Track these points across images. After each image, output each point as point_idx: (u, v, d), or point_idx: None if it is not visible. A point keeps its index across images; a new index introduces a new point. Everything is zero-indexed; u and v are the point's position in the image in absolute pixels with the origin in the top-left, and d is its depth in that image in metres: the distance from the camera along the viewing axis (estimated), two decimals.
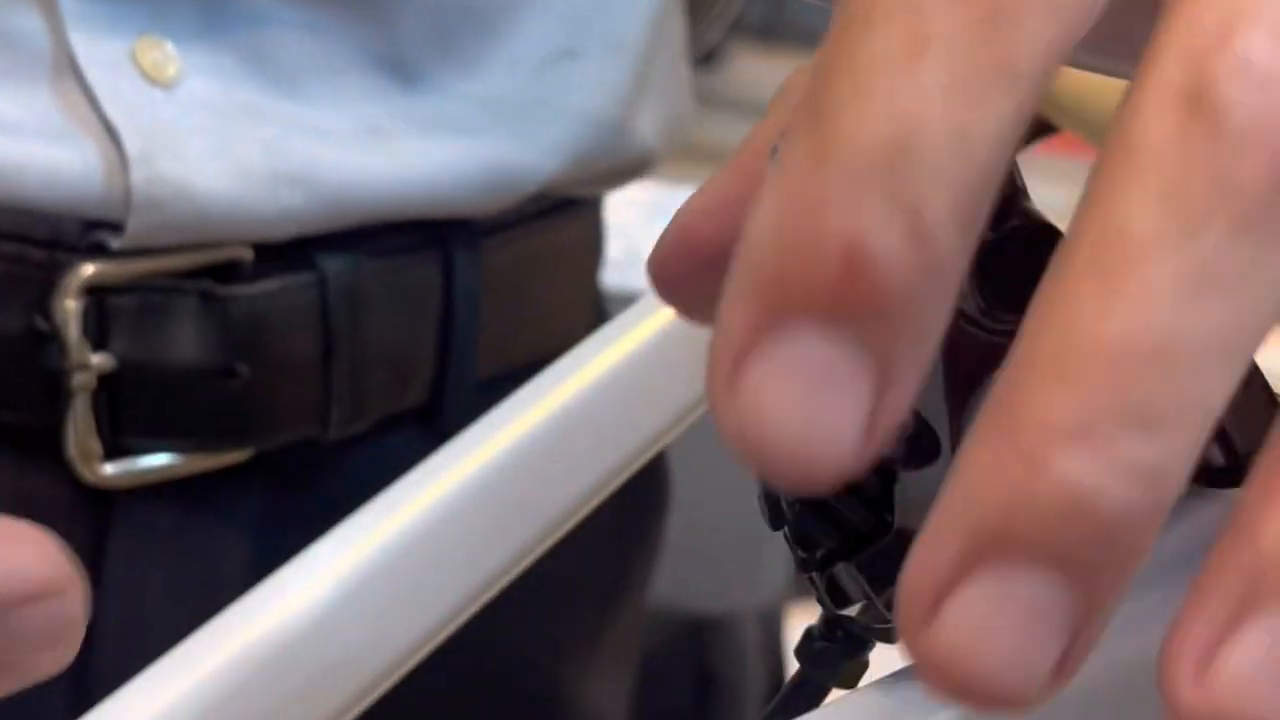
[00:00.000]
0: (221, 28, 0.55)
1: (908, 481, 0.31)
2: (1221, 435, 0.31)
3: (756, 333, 0.22)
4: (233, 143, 0.55)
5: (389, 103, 0.58)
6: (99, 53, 0.53)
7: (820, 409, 0.21)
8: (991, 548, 0.22)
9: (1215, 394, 0.23)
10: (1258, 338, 0.23)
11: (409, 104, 0.58)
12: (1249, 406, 0.31)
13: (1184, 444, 0.23)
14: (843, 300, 0.21)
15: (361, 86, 0.57)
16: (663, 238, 0.34)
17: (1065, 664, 0.23)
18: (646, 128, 0.66)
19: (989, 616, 0.22)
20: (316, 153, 0.56)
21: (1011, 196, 0.29)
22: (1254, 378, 0.31)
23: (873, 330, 0.22)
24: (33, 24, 0.53)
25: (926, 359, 0.23)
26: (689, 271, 0.33)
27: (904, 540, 0.31)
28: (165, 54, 0.54)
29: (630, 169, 0.66)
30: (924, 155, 0.22)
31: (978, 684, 0.22)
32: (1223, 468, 0.31)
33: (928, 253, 0.22)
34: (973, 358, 0.29)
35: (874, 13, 0.22)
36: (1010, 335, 0.29)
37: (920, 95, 0.22)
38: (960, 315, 0.29)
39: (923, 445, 0.30)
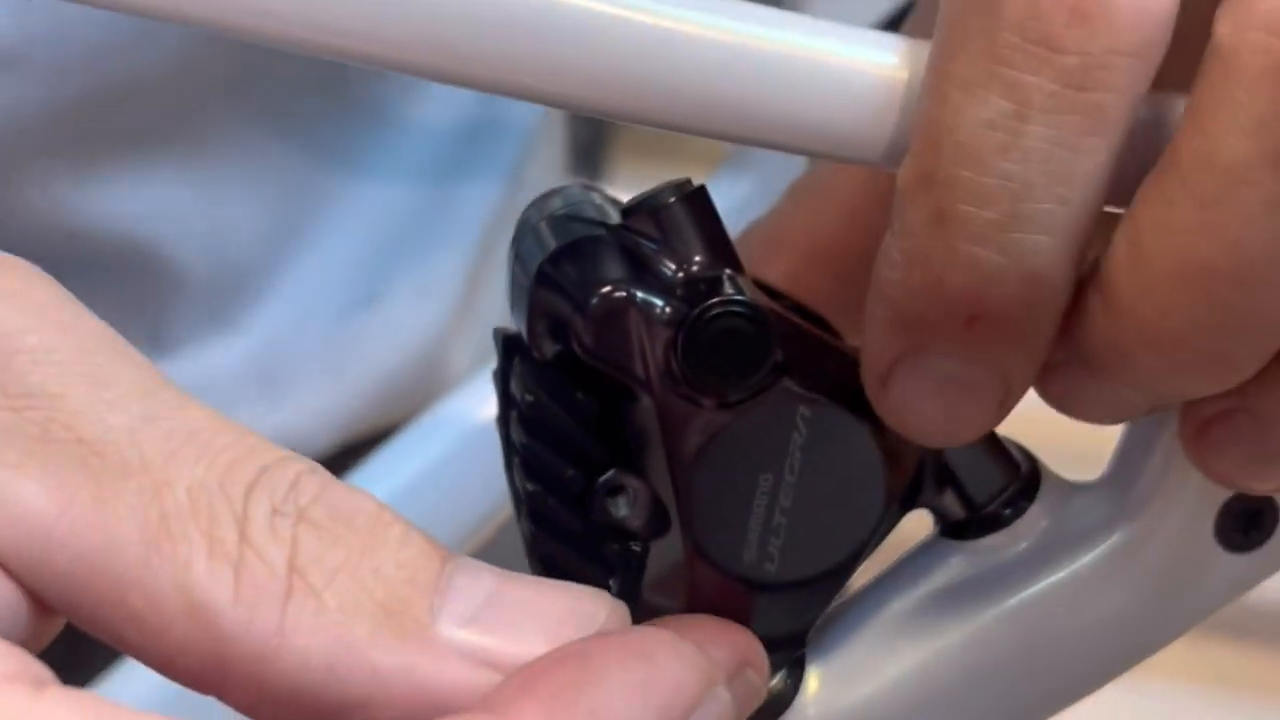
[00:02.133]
0: None
1: (655, 552, 0.31)
2: (961, 492, 0.33)
3: (899, 355, 0.28)
4: None
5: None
6: None
7: (961, 412, 0.28)
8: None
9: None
10: None
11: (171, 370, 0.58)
12: (983, 467, 0.33)
13: None
14: (969, 341, 0.27)
15: None
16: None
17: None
18: (464, 354, 0.61)
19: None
20: None
21: (718, 277, 0.30)
22: (990, 443, 0.33)
23: (995, 357, 0.28)
24: None
25: (1040, 362, 0.28)
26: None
27: (652, 613, 0.31)
28: None
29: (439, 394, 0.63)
30: (1031, 211, 0.26)
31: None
32: (964, 520, 0.33)
33: (1041, 291, 0.27)
34: (691, 431, 0.30)
35: (972, 81, 0.26)
36: (729, 407, 0.31)
37: (1024, 157, 0.26)
38: (675, 393, 0.30)
39: (658, 518, 0.31)
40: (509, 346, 0.32)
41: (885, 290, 0.28)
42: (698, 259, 0.30)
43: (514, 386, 0.31)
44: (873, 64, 0.28)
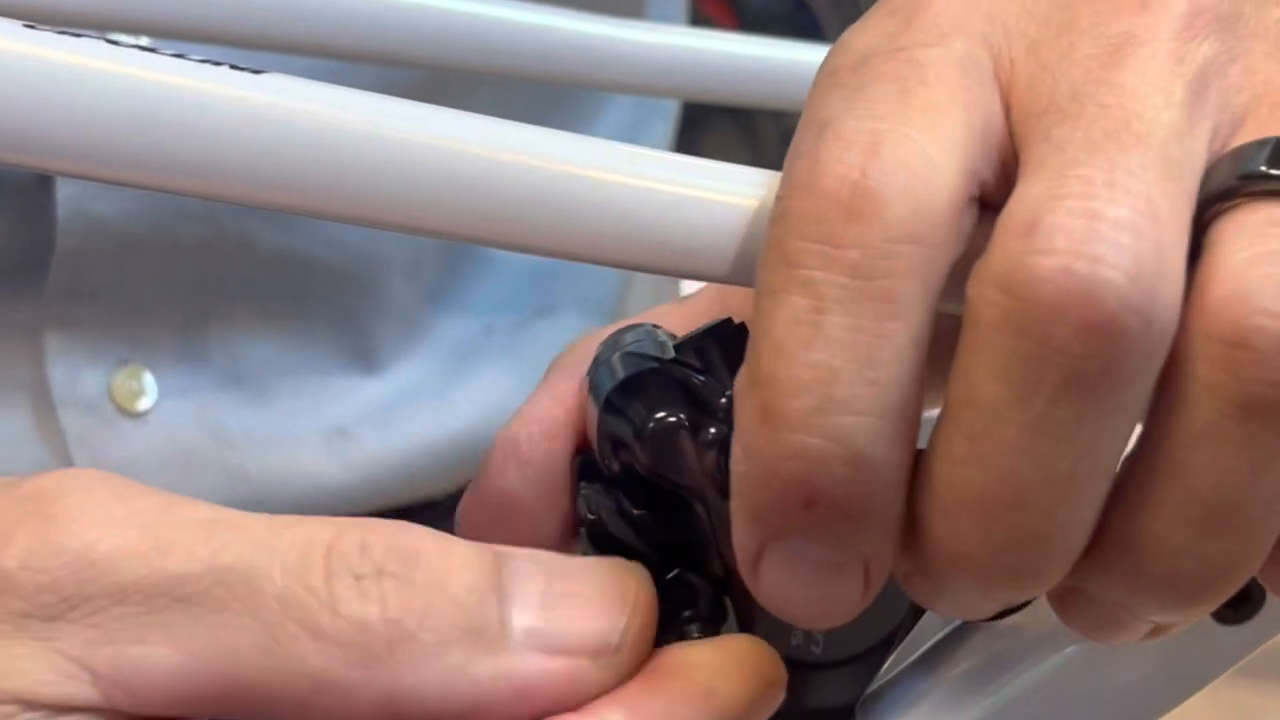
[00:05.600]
0: (203, 349, 0.57)
1: None
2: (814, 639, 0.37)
3: (760, 544, 0.30)
4: (196, 473, 0.56)
5: (354, 399, 0.61)
6: (77, 388, 0.55)
7: (826, 593, 0.30)
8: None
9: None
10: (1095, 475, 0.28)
11: (373, 394, 0.61)
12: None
13: None
14: (812, 523, 0.29)
15: (329, 386, 0.60)
16: (499, 451, 0.39)
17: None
18: None
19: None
20: (278, 467, 0.58)
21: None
22: None
23: (841, 536, 0.29)
24: (16, 355, 0.54)
25: (895, 535, 0.29)
26: (529, 481, 0.39)
27: None
28: (141, 384, 0.56)
29: None
30: (843, 395, 0.28)
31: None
32: (820, 662, 0.37)
33: (868, 469, 0.28)
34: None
35: (774, 286, 0.29)
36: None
37: (828, 346, 0.28)
38: (725, 501, 0.33)
39: (717, 608, 0.35)
40: (584, 470, 0.38)
41: (737, 485, 0.30)
42: None
43: (580, 506, 0.36)
44: (723, 194, 0.32)
